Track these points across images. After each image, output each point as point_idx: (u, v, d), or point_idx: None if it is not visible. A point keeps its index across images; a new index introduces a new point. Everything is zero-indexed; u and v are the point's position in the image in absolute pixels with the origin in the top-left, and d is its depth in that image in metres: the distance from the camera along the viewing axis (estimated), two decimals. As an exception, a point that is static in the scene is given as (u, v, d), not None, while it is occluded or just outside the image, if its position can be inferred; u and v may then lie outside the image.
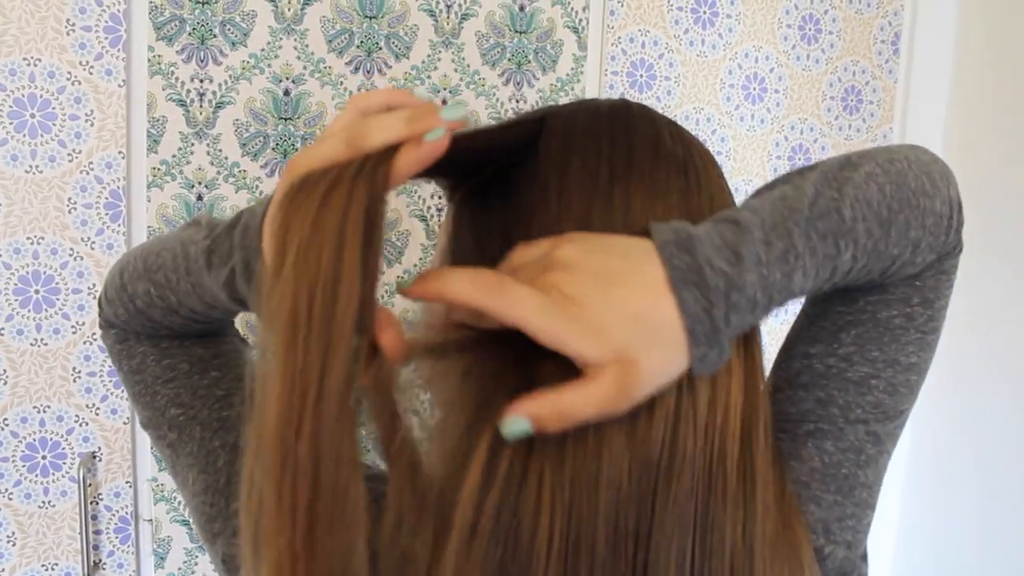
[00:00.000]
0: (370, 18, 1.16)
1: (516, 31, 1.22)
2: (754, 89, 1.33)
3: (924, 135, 1.42)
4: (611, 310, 0.48)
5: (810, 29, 1.35)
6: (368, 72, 1.17)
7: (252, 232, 0.53)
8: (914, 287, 0.62)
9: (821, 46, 1.36)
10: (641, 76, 1.28)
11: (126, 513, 1.14)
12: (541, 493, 0.50)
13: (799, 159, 1.37)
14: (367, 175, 0.46)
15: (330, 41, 1.15)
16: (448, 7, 1.18)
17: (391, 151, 0.47)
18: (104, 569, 1.14)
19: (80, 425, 1.10)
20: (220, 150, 1.12)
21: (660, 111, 0.63)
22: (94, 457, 1.11)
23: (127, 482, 1.13)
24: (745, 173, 1.35)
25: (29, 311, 1.07)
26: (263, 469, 0.44)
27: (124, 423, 1.12)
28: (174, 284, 0.63)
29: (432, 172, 0.53)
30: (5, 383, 1.07)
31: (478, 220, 0.61)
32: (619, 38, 1.26)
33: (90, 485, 1.11)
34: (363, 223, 0.45)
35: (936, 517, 1.44)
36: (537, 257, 0.52)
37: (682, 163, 0.58)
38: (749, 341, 0.57)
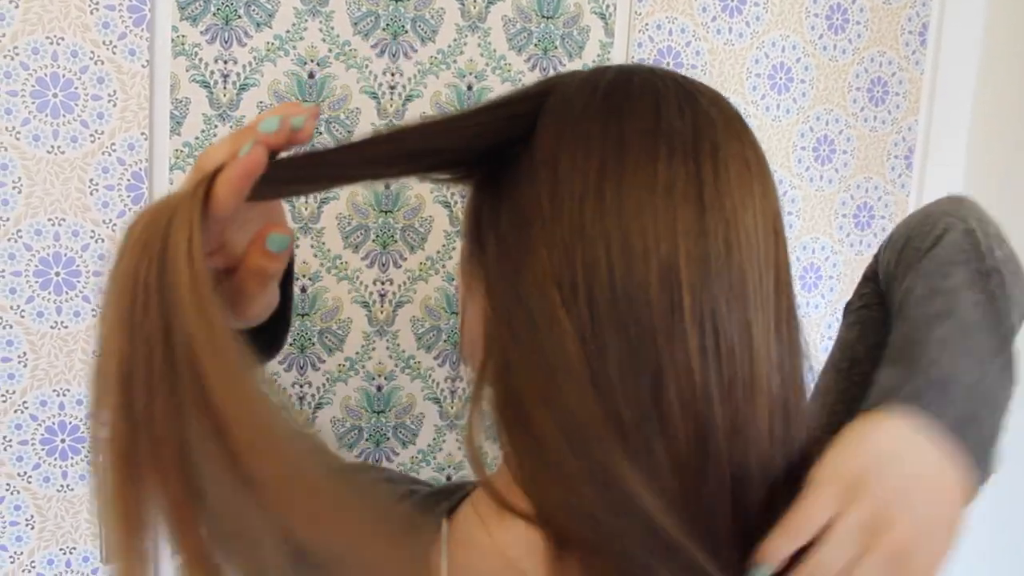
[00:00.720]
0: (396, 1, 1.14)
1: (543, 16, 1.20)
2: (780, 79, 1.32)
3: (950, 127, 1.41)
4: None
5: (837, 19, 1.33)
6: (393, 55, 1.15)
7: None
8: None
9: (848, 36, 1.34)
10: (668, 63, 1.26)
11: (144, 498, 1.13)
12: None
13: (823, 151, 1.36)
14: (188, 196, 0.47)
15: (356, 23, 1.13)
16: (475, -9, 1.17)
17: (216, 172, 0.48)
18: (122, 554, 1.13)
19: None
20: (243, 133, 1.11)
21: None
22: (113, 441, 1.10)
23: (146, 467, 1.12)
24: (769, 163, 1.33)
25: (50, 293, 1.06)
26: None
27: (144, 407, 1.11)
28: None
29: (418, 171, 0.56)
30: (25, 365, 1.06)
31: (480, 216, 0.59)
32: (646, 24, 1.25)
33: (109, 469, 1.10)
34: (184, 241, 0.46)
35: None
36: (858, 525, 0.50)
37: (690, 144, 0.51)
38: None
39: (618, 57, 1.24)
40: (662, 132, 0.52)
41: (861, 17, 1.35)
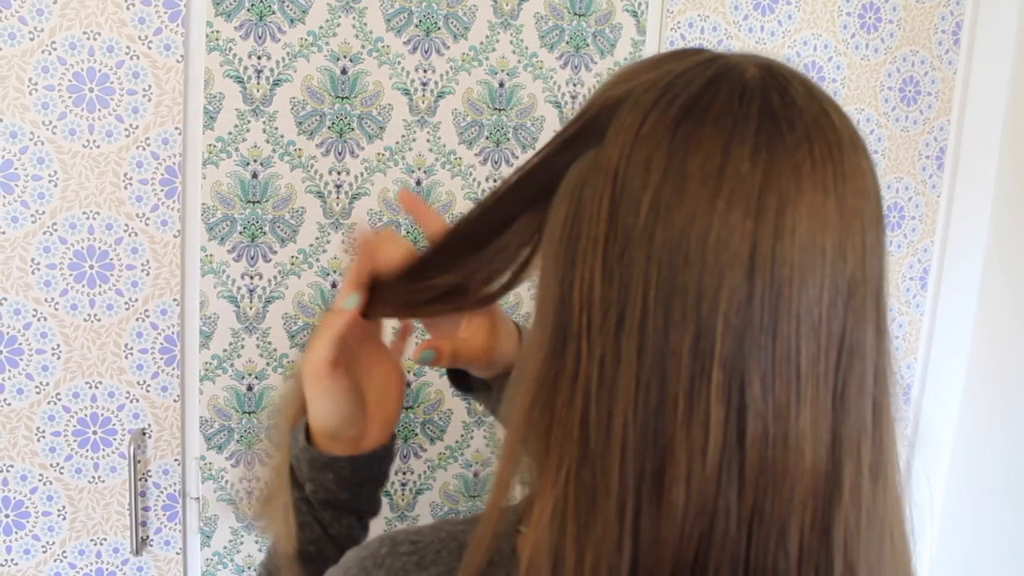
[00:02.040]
0: (429, -3, 1.14)
1: (575, 14, 1.20)
2: (812, 78, 1.31)
3: (982, 127, 1.39)
4: None
5: (870, 18, 1.32)
6: (426, 52, 1.15)
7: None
8: None
9: (881, 35, 1.33)
10: (699, 62, 1.26)
11: (174, 491, 1.14)
12: None
13: (854, 150, 1.35)
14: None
15: (388, 20, 1.13)
16: (507, -13, 1.17)
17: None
18: (151, 546, 1.14)
19: (131, 402, 1.10)
20: (276, 128, 1.11)
21: None
22: (144, 434, 1.11)
23: (175, 460, 1.13)
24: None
25: (83, 286, 1.07)
26: None
27: (174, 401, 1.12)
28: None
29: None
30: (58, 357, 1.07)
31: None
32: (678, 23, 1.24)
33: (139, 462, 1.11)
34: None
35: (973, 539, 1.43)
36: None
37: (755, 197, 0.45)
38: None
39: (650, 55, 1.23)
40: (726, 177, 0.45)
41: (894, 16, 1.34)
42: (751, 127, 0.46)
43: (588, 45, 1.21)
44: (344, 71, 1.13)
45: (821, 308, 0.47)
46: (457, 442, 1.24)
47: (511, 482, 0.53)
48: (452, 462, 1.25)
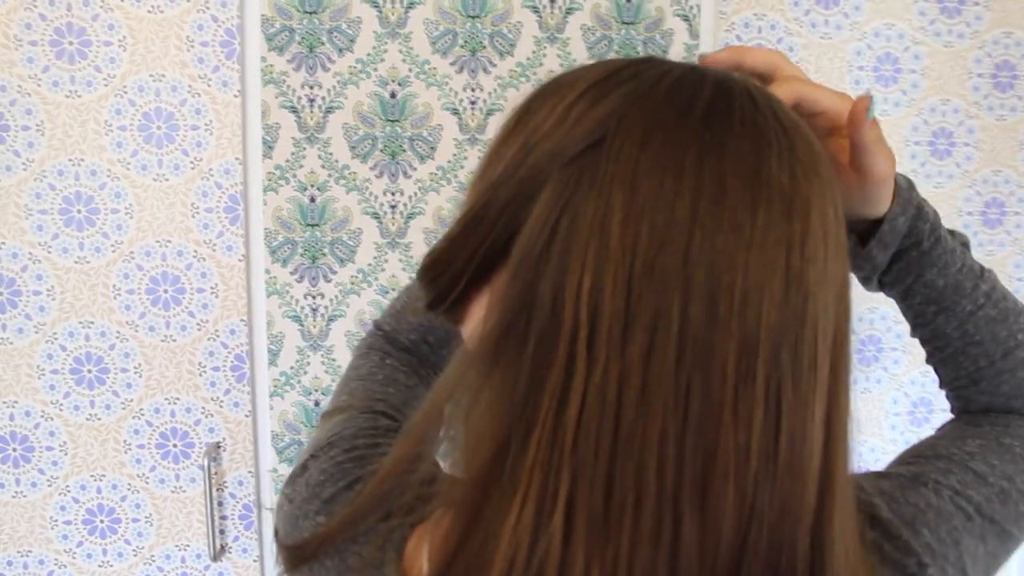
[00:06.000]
0: (473, 17, 1.16)
1: (623, 23, 1.19)
2: (887, 70, 1.24)
3: (1091, 112, 1.27)
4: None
5: (951, 1, 1.24)
6: (472, 71, 1.17)
7: None
8: None
9: (965, 19, 1.24)
10: (758, 62, 1.22)
11: (249, 501, 1.21)
12: None
13: (941, 144, 1.26)
14: None
15: (434, 42, 1.16)
16: (552, 2, 1.17)
17: None
18: (230, 553, 1.21)
19: (206, 416, 1.18)
20: (331, 153, 1.16)
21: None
22: (219, 447, 1.19)
23: (249, 471, 1.20)
24: (878, 160, 1.25)
25: (159, 309, 1.15)
26: None
27: (246, 415, 1.18)
28: None
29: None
30: (140, 375, 1.16)
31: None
32: (733, 24, 1.21)
33: (215, 473, 1.19)
34: None
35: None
36: None
37: (788, 199, 0.46)
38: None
39: (704, 58, 1.21)
40: (763, 181, 0.46)
41: (981, -2, 1.25)
42: (772, 132, 0.47)
43: (639, 54, 1.19)
44: (393, 95, 1.17)
45: (830, 311, 0.48)
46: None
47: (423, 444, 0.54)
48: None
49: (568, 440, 0.46)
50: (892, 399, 1.31)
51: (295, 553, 0.61)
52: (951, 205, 1.28)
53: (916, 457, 0.66)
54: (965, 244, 0.71)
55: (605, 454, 0.45)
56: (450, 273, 0.54)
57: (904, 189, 0.66)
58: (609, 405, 0.45)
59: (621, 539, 0.45)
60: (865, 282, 0.72)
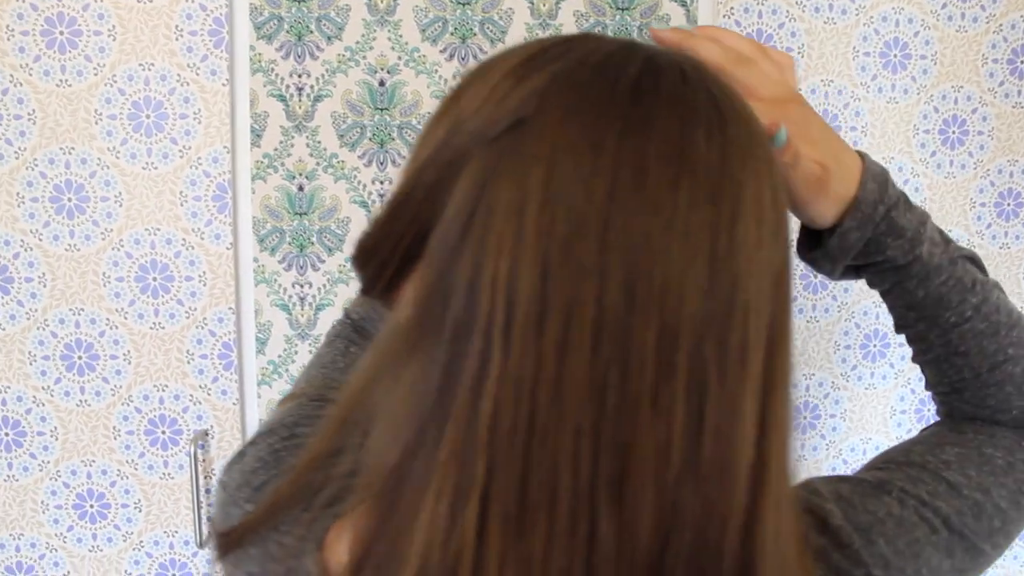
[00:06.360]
0: (463, 4, 1.15)
1: (618, 8, 1.16)
2: (895, 56, 1.19)
3: (1115, 99, 1.21)
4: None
5: (965, -16, 1.19)
6: (463, 59, 1.16)
7: None
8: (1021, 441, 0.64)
9: (980, 2, 1.19)
10: (757, 48, 1.18)
11: (238, 489, 1.21)
12: None
13: (952, 132, 1.21)
14: None
15: (423, 30, 1.15)
16: (543, -12, 1.15)
17: None
18: (219, 540, 1.21)
19: (194, 404, 1.18)
20: (319, 142, 1.16)
21: None
22: (206, 434, 1.19)
23: (238, 460, 1.20)
24: (886, 149, 1.21)
25: (148, 297, 1.16)
26: None
27: (234, 404, 1.18)
28: None
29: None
30: (129, 363, 1.17)
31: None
32: (731, 8, 1.17)
33: (203, 461, 1.19)
34: None
35: None
36: None
37: (715, 180, 0.44)
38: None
39: (700, 45, 1.17)
40: (687, 159, 0.43)
41: (997, -20, 1.19)
42: (701, 108, 0.45)
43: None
44: (382, 83, 1.16)
45: (764, 297, 0.45)
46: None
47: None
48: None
49: (483, 433, 0.43)
50: (898, 396, 1.26)
51: (223, 540, 0.60)
52: (963, 196, 1.23)
53: (887, 462, 0.63)
54: (971, 258, 0.67)
55: (520, 448, 0.43)
56: (378, 258, 0.52)
57: (867, 204, 0.62)
58: (524, 398, 0.43)
59: (535, 537, 0.43)
60: (827, 277, 0.69)
